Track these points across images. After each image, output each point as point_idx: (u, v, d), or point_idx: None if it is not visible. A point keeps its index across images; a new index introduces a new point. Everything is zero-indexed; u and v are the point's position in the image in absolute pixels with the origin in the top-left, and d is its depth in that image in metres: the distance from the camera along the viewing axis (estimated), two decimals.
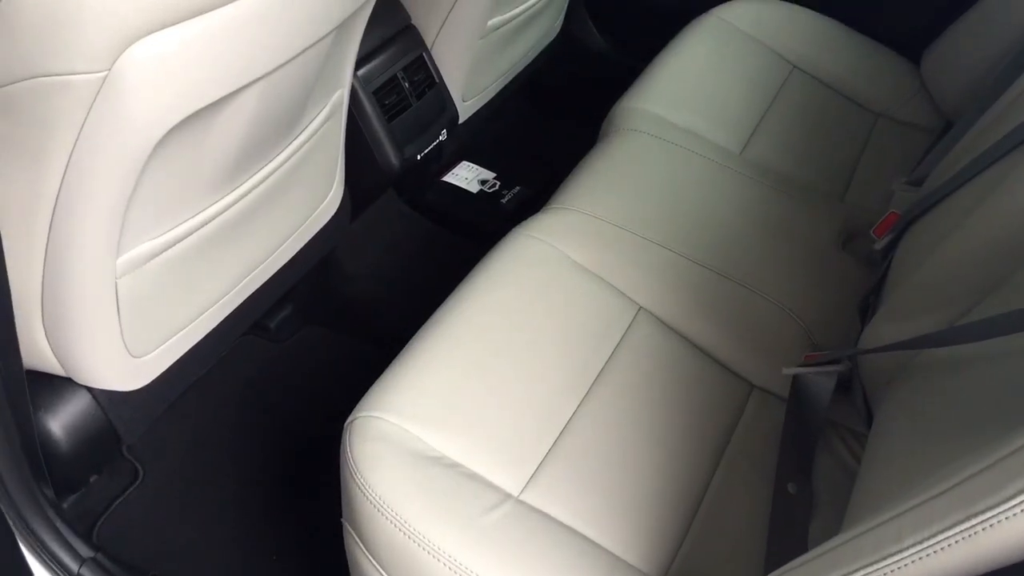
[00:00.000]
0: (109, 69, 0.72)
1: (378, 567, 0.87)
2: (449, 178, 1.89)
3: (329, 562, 1.12)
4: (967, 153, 1.07)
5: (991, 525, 0.48)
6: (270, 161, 1.07)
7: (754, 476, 0.97)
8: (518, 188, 1.88)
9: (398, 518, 0.84)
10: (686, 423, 1.00)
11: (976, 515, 0.49)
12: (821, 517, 0.92)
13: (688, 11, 1.72)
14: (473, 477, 0.90)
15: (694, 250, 1.21)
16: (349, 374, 1.36)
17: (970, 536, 0.49)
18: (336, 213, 1.33)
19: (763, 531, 0.91)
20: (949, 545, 0.50)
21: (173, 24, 0.74)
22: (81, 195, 0.81)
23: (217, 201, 1.01)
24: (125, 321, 0.96)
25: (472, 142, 1.94)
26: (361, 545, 0.89)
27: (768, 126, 1.51)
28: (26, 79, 0.71)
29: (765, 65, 1.63)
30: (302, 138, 1.12)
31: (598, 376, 1.02)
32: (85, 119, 0.75)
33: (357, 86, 1.38)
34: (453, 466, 0.90)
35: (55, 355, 0.98)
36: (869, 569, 0.54)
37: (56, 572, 1.01)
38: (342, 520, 0.93)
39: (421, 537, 0.83)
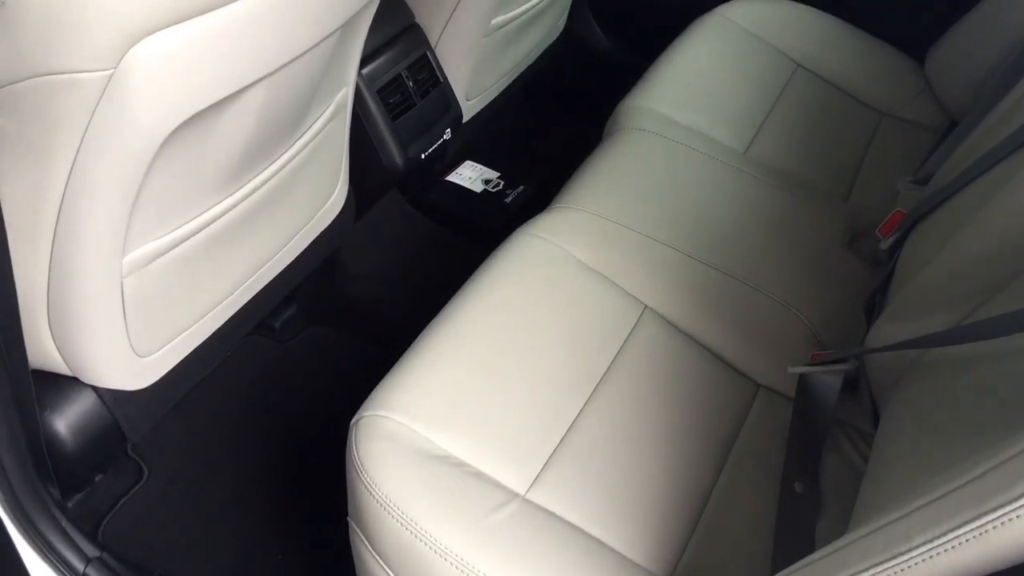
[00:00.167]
0: (114, 68, 0.72)
1: (384, 566, 0.87)
2: (453, 177, 1.89)
3: (333, 561, 1.12)
4: (973, 152, 1.07)
5: (1002, 523, 0.48)
6: (275, 160, 1.07)
7: (760, 475, 0.97)
8: (522, 187, 1.87)
9: (404, 517, 0.84)
10: (692, 422, 1.00)
11: (986, 513, 0.49)
12: (828, 516, 0.92)
13: (692, 10, 1.72)
14: (479, 476, 0.90)
15: (699, 249, 1.21)
16: (353, 374, 1.37)
17: (980, 535, 0.49)
18: (341, 212, 1.33)
19: (769, 530, 0.91)
20: (959, 544, 0.50)
21: (178, 23, 0.74)
22: (86, 195, 0.81)
23: (222, 200, 1.01)
24: (130, 320, 0.96)
25: (476, 141, 1.94)
26: (367, 544, 0.89)
27: (772, 125, 1.51)
28: (31, 77, 0.72)
29: (769, 64, 1.62)
30: (306, 137, 1.12)
31: (604, 375, 1.02)
32: (90, 118, 0.75)
33: (361, 85, 1.38)
34: (459, 465, 0.90)
35: (61, 354, 0.98)
36: (878, 568, 0.54)
37: (62, 572, 1.01)
38: (348, 519, 0.93)
39: (427, 536, 0.83)
